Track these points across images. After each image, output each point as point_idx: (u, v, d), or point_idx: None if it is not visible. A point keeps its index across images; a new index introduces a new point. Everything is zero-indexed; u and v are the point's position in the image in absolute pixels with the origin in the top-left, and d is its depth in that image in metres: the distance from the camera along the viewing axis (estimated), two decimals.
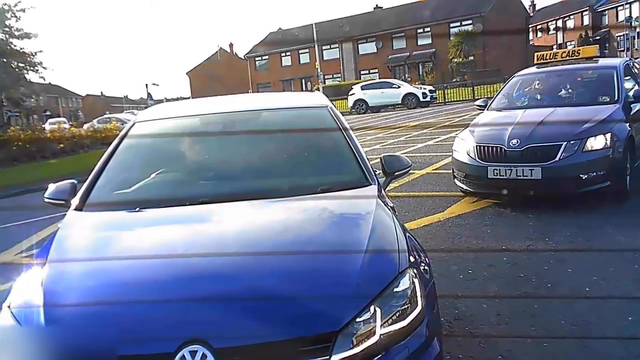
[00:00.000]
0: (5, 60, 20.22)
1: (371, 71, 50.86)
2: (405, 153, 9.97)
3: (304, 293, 1.96)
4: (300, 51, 54.49)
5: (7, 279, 3.66)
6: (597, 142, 5.70)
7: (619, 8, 51.36)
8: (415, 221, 5.80)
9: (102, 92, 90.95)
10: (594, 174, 5.65)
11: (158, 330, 1.82)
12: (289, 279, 2.02)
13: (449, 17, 47.33)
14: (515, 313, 3.55)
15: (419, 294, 2.03)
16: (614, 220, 5.30)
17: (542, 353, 3.01)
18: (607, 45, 50.41)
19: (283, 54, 56.90)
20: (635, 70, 7.66)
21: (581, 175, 5.66)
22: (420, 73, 45.95)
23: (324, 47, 51.26)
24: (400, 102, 28.62)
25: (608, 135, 5.73)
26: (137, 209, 2.67)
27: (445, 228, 5.55)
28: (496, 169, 5.91)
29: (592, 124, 5.86)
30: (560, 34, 59.18)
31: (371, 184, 2.84)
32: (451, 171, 6.87)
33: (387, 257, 2.14)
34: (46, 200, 2.99)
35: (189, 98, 50.47)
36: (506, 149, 5.87)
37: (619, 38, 50.21)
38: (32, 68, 21.24)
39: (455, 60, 42.08)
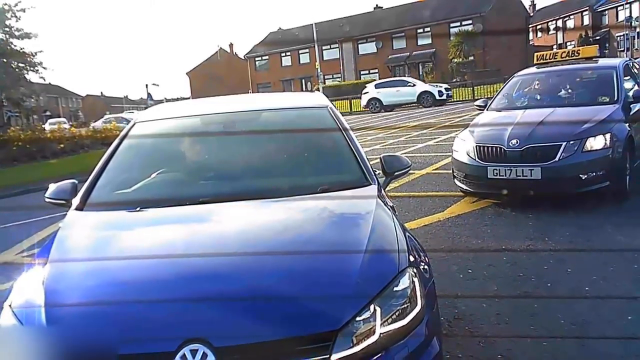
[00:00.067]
0: (5, 60, 20.20)
1: (371, 71, 50.85)
2: (405, 153, 9.98)
3: (304, 292, 1.96)
4: (300, 51, 54.48)
5: (8, 279, 3.68)
6: (596, 142, 5.71)
7: (619, 8, 51.35)
8: (415, 221, 5.81)
9: (102, 92, 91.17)
10: (594, 174, 5.66)
11: (159, 329, 1.83)
12: (289, 278, 2.03)
13: (449, 17, 47.32)
14: (515, 312, 3.55)
15: (418, 293, 2.03)
16: (613, 220, 5.31)
17: (542, 352, 3.02)
18: (607, 45, 50.40)
19: (283, 54, 56.89)
20: (635, 70, 7.67)
21: (581, 175, 5.67)
22: (420, 73, 45.91)
23: (324, 47, 51.25)
24: (415, 100, 27.95)
25: (608, 136, 5.74)
26: (137, 209, 2.68)
27: (445, 228, 5.55)
28: (496, 169, 5.92)
29: (592, 124, 5.86)
30: (560, 34, 59.17)
31: (371, 184, 2.85)
32: (451, 171, 6.88)
33: (387, 257, 2.15)
34: (47, 200, 3.00)
35: (189, 98, 50.48)
36: (506, 149, 5.87)
37: (619, 38, 50.21)
38: (32, 68, 21.21)
39: (455, 60, 42.08)
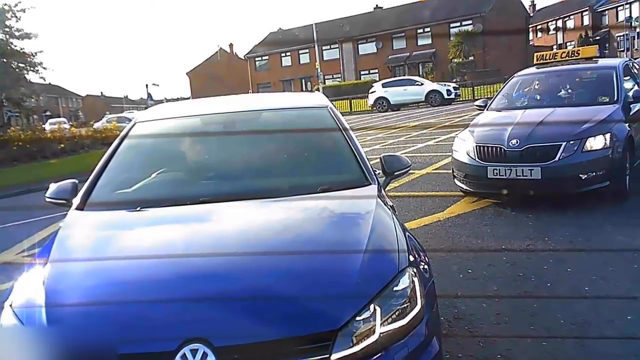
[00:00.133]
0: (5, 60, 20.21)
1: (371, 71, 50.84)
2: (405, 153, 9.98)
3: (304, 292, 1.97)
4: (300, 51, 54.47)
5: (9, 278, 3.68)
6: (596, 142, 5.72)
7: (619, 8, 51.34)
8: (415, 221, 5.81)
9: (102, 93, 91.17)
10: (594, 173, 5.67)
11: (159, 329, 1.83)
12: (289, 278, 2.03)
13: (449, 17, 47.31)
14: (515, 312, 3.56)
15: (418, 293, 2.04)
16: (613, 220, 5.31)
17: (542, 352, 3.02)
18: (607, 45, 50.40)
19: (283, 54, 56.89)
20: (635, 70, 7.67)
21: (581, 175, 5.67)
22: (421, 73, 45.83)
23: (324, 47, 51.25)
24: (423, 99, 27.76)
25: (607, 136, 5.74)
26: (138, 209, 2.68)
27: (445, 228, 5.56)
28: (496, 169, 5.92)
29: (592, 124, 5.87)
30: (560, 34, 59.16)
31: (371, 184, 2.85)
32: (451, 171, 6.88)
33: (387, 256, 2.16)
34: (47, 199, 3.00)
35: (189, 98, 50.49)
36: (506, 149, 5.88)
37: (619, 38, 50.21)
38: (32, 68, 21.23)
39: (455, 60, 42.05)
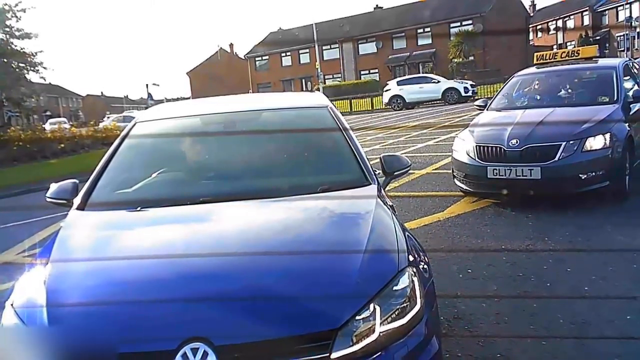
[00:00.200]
0: (5, 60, 20.22)
1: (371, 71, 50.87)
2: (405, 153, 9.99)
3: (304, 292, 1.97)
4: (301, 51, 54.47)
5: (9, 278, 3.68)
6: (596, 142, 5.72)
7: (619, 8, 51.34)
8: (415, 221, 5.82)
9: (102, 92, 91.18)
10: (593, 173, 5.67)
11: (160, 328, 1.84)
12: (289, 277, 2.04)
13: (449, 17, 47.31)
14: (515, 312, 3.56)
15: (418, 292, 2.04)
16: (613, 220, 5.31)
17: (541, 352, 3.03)
18: (607, 45, 50.39)
19: (283, 54, 56.89)
20: (635, 70, 7.67)
21: (580, 175, 5.67)
22: (421, 73, 45.89)
23: (324, 47, 51.26)
24: (440, 97, 27.22)
25: (607, 135, 5.75)
26: (138, 209, 2.69)
27: (445, 228, 5.56)
28: (496, 169, 5.92)
29: (592, 124, 5.87)
30: (560, 34, 59.16)
31: (371, 184, 2.86)
32: (451, 171, 6.89)
33: (387, 256, 2.16)
34: (48, 199, 3.01)
35: (189, 98, 50.51)
36: (506, 149, 5.88)
37: (619, 38, 50.20)
38: (32, 68, 21.23)
39: (456, 60, 42.04)
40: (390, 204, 2.80)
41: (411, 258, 2.19)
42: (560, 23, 60.88)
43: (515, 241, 4.98)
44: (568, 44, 51.45)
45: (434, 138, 12.91)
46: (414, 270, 2.12)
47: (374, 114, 27.81)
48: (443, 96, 27.26)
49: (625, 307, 3.48)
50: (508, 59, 40.23)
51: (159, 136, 3.33)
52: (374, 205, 2.55)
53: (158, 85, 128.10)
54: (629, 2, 42.48)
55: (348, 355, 1.80)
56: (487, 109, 7.39)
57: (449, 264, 4.46)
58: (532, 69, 8.03)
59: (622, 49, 43.28)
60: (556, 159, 5.66)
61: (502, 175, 5.88)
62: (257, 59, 59.24)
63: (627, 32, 40.85)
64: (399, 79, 31.40)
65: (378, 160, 3.27)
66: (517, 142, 5.84)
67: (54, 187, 3.05)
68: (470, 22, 45.67)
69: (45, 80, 22.92)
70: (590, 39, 49.69)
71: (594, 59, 7.87)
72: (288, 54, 56.46)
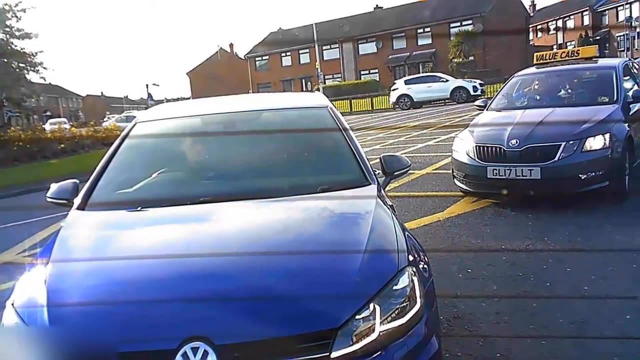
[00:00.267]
0: (5, 60, 20.23)
1: (371, 71, 50.87)
2: (405, 153, 10.00)
3: (304, 291, 1.98)
4: (301, 51, 54.47)
5: (10, 278, 3.69)
6: (596, 142, 5.72)
7: (619, 8, 51.34)
8: (415, 221, 5.82)
9: (102, 93, 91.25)
10: (593, 173, 5.67)
11: (160, 327, 1.85)
12: (289, 277, 2.04)
13: (449, 17, 47.31)
14: (514, 312, 3.57)
15: (417, 292, 2.05)
16: (613, 220, 5.32)
17: (541, 351, 3.03)
18: (607, 45, 50.41)
19: (283, 54, 56.88)
20: (635, 70, 7.68)
21: (580, 175, 5.68)
22: (421, 73, 45.91)
23: (324, 47, 51.25)
24: (448, 96, 26.92)
25: (607, 136, 5.75)
26: (138, 209, 2.69)
27: (444, 228, 5.57)
28: (495, 169, 5.93)
29: (591, 124, 5.88)
30: (560, 34, 59.17)
31: (371, 184, 2.86)
32: (451, 171, 6.89)
33: (386, 256, 2.17)
34: (48, 199, 3.01)
35: (189, 98, 50.52)
36: (505, 149, 5.89)
37: (619, 38, 50.21)
38: (32, 68, 21.25)
39: (456, 60, 42.03)
40: (390, 203, 2.81)
41: (411, 258, 2.19)
42: (560, 23, 60.89)
43: (515, 241, 4.98)
44: (568, 44, 51.47)
45: (434, 138, 12.92)
46: (414, 269, 2.12)
47: (374, 114, 27.79)
48: (452, 95, 26.96)
49: (625, 307, 3.48)
50: (508, 59, 40.24)
51: (159, 136, 3.34)
52: (373, 205, 2.55)
53: (158, 85, 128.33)
54: (629, 2, 42.48)
55: (348, 354, 1.81)
56: (486, 109, 7.39)
57: (448, 264, 4.47)
58: (532, 69, 8.03)
59: (622, 49, 43.30)
60: (556, 159, 5.67)
61: (502, 176, 5.88)
62: (257, 59, 59.23)
63: (627, 32, 40.87)
64: (406, 77, 30.97)
65: (378, 160, 3.27)
66: (517, 142, 5.85)
67: (54, 187, 3.05)
68: (470, 22, 45.66)
69: (45, 80, 22.97)
70: (590, 39, 49.70)
71: (593, 59, 7.88)
72: (288, 54, 56.45)
